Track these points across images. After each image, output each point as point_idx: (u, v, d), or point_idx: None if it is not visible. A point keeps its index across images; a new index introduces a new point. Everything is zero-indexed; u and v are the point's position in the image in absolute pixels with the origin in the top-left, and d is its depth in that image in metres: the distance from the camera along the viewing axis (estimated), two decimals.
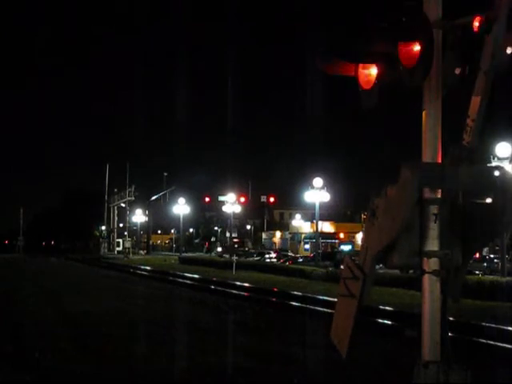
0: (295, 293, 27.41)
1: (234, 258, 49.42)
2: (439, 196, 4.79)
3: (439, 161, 4.86)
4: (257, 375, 11.15)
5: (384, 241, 4.71)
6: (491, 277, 30.29)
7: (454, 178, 4.67)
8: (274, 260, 63.26)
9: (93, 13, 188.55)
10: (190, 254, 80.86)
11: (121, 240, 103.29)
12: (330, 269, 42.02)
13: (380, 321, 17.75)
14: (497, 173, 4.72)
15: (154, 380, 10.90)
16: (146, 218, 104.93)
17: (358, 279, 4.77)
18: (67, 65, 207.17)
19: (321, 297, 24.85)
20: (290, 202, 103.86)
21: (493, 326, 16.13)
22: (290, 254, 73.80)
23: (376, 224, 4.79)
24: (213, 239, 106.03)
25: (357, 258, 4.96)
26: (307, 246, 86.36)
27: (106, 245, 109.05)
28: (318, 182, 52.23)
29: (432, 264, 4.77)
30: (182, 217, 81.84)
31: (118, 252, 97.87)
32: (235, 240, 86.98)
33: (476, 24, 4.52)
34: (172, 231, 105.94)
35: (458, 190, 4.78)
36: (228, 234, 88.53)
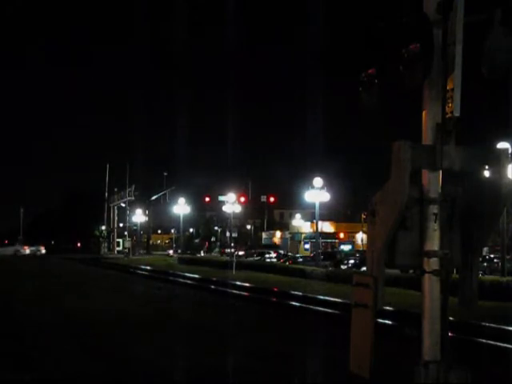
0: (295, 293, 27.41)
1: (234, 257, 49.41)
2: (439, 196, 4.80)
3: None
4: (257, 375, 11.15)
5: (387, 230, 4.68)
6: (491, 277, 30.25)
7: (444, 156, 4.68)
8: (274, 260, 63.27)
9: (92, 12, 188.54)
10: (187, 255, 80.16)
11: (121, 240, 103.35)
12: (330, 269, 42.04)
13: (380, 321, 17.74)
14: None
15: (155, 380, 10.90)
16: (146, 218, 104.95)
17: (369, 287, 4.72)
18: (67, 64, 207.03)
19: (321, 297, 24.88)
20: (290, 202, 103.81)
21: (493, 325, 16.14)
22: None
23: (377, 220, 4.77)
24: (213, 239, 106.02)
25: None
26: (307, 246, 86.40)
27: (106, 245, 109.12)
28: (318, 181, 52.18)
29: (432, 264, 4.77)
30: (182, 217, 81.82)
31: (118, 252, 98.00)
32: None
33: None
34: (172, 231, 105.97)
35: (450, 170, 4.78)
36: (228, 234, 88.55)
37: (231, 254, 69.65)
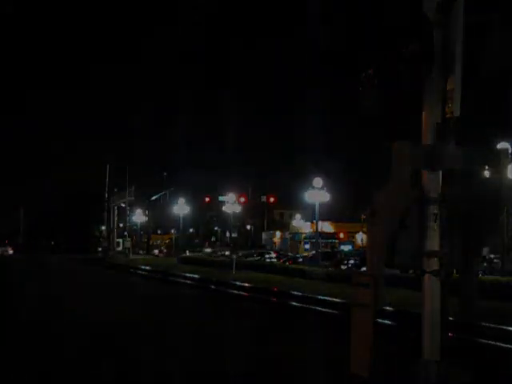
0: (295, 293, 27.42)
1: (234, 257, 49.41)
2: (439, 196, 4.80)
3: None
4: (257, 375, 11.15)
5: (387, 230, 4.68)
6: (491, 277, 30.24)
7: (444, 156, 4.67)
8: (274, 260, 63.23)
9: (91, 13, 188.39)
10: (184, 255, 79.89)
11: (121, 240, 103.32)
12: (330, 269, 42.03)
13: (380, 321, 17.72)
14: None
15: (154, 381, 10.90)
16: (146, 218, 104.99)
17: (369, 287, 4.73)
18: (67, 65, 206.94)
19: (321, 297, 24.88)
20: (290, 202, 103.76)
21: (492, 325, 16.13)
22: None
23: (377, 220, 4.78)
24: (213, 239, 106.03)
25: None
26: (307, 246, 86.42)
27: (105, 245, 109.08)
28: (317, 181, 52.19)
29: (432, 264, 4.77)
30: (181, 217, 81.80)
31: (119, 252, 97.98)
32: None
33: None
34: (172, 231, 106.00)
35: (450, 170, 4.78)
36: (228, 234, 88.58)
37: (211, 254, 69.97)
